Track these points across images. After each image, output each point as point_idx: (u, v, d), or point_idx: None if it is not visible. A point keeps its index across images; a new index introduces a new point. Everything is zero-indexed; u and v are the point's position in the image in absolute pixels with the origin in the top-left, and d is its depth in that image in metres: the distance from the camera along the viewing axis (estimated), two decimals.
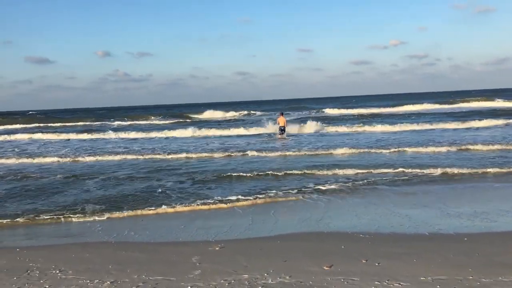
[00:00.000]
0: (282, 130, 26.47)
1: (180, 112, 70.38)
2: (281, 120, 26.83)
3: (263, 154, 18.29)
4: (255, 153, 18.49)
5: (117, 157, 19.15)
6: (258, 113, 60.78)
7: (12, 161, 19.43)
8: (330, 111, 55.84)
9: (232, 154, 18.67)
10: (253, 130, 30.93)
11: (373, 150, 17.99)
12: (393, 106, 58.78)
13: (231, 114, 59.66)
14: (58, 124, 49.98)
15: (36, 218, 9.40)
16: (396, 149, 17.90)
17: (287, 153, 18.37)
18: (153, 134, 31.32)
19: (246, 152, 18.79)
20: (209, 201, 10.41)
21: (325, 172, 13.42)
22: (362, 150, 18.02)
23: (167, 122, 48.50)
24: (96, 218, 9.29)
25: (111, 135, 31.83)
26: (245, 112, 62.12)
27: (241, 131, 31.16)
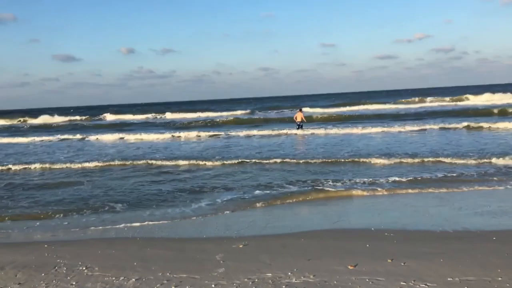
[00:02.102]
0: (299, 125, 27.10)
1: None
2: (299, 116, 27.60)
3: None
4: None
5: None
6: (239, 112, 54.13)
7: None
8: (307, 110, 49.36)
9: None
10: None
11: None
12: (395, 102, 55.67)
13: (238, 112, 53.47)
14: None
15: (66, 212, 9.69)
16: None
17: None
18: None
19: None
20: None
21: None
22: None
23: None
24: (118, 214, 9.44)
25: None
26: (244, 112, 54.68)
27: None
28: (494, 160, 13.55)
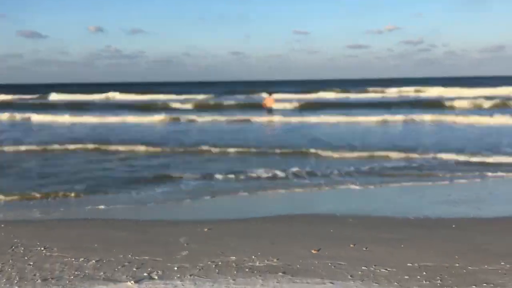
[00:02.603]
0: (268, 111, 26.67)
1: None
2: (268, 101, 27.06)
3: None
4: None
5: None
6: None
7: None
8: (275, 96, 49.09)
9: None
10: None
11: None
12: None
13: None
14: None
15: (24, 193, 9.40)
16: None
17: None
18: None
19: None
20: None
21: None
22: None
23: None
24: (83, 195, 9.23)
25: None
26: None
27: None
28: (454, 154, 13.87)
